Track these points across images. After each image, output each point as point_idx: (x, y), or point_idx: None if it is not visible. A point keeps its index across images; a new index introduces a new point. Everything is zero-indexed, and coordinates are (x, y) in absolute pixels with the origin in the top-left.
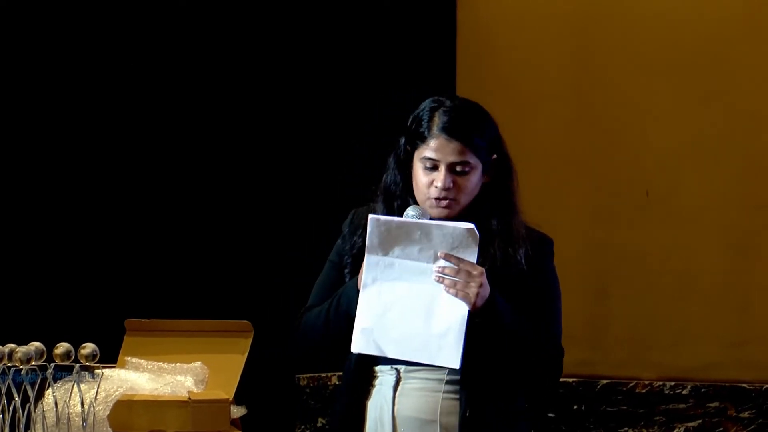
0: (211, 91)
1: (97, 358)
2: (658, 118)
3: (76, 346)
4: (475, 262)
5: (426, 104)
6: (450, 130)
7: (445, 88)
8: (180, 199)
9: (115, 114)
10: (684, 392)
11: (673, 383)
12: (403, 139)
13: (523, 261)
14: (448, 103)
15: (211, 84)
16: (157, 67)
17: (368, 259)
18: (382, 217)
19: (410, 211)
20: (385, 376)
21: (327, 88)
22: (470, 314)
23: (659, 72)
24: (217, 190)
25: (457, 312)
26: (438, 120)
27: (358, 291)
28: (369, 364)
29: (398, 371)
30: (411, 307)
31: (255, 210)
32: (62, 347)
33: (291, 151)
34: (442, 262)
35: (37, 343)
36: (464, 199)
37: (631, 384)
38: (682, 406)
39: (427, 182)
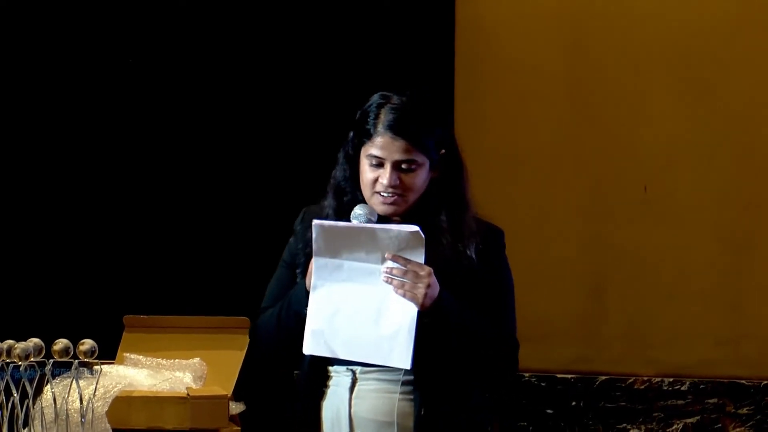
0: (209, 91)
1: (96, 355)
2: (655, 116)
3: (75, 342)
4: (422, 262)
5: (374, 100)
6: (396, 129)
7: (443, 86)
8: (178, 196)
9: (113, 113)
10: (683, 388)
11: (671, 379)
12: (352, 134)
13: (474, 256)
14: (395, 99)
15: (208, 83)
16: (156, 67)
17: (316, 262)
18: (326, 222)
19: (358, 209)
20: (340, 377)
21: (324, 87)
22: (419, 314)
23: (656, 70)
24: (215, 187)
25: (407, 313)
26: (384, 117)
27: (307, 292)
28: (323, 364)
29: (354, 372)
30: (361, 309)
31: (253, 206)
32: (61, 343)
33: (289, 148)
34: (390, 263)
35: (35, 339)
36: (411, 197)
37: (630, 380)
38: (680, 402)
39: (373, 179)
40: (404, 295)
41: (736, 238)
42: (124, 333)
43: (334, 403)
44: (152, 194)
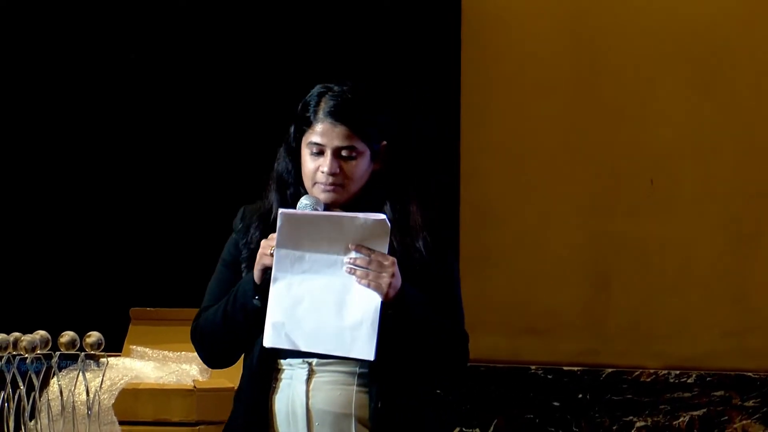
0: (213, 89)
1: (102, 347)
2: (661, 109)
3: (81, 334)
4: (386, 252)
5: (314, 90)
6: (335, 114)
7: (449, 80)
8: (184, 190)
9: (117, 108)
10: (689, 381)
11: (678, 372)
12: (293, 127)
13: (423, 249)
14: (336, 88)
15: (212, 81)
16: (155, 64)
17: (278, 253)
18: (292, 211)
19: (304, 200)
20: (295, 370)
21: (329, 78)
22: (383, 305)
23: (662, 62)
24: (220, 180)
25: (370, 303)
26: (324, 105)
27: (254, 283)
28: (273, 358)
29: (310, 365)
30: (322, 300)
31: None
32: (67, 336)
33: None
34: (353, 254)
35: (42, 332)
36: (352, 186)
37: (636, 373)
38: (687, 394)
39: (314, 168)
40: (368, 285)
41: (742, 231)
42: (130, 325)
43: (288, 396)
44: (158, 188)
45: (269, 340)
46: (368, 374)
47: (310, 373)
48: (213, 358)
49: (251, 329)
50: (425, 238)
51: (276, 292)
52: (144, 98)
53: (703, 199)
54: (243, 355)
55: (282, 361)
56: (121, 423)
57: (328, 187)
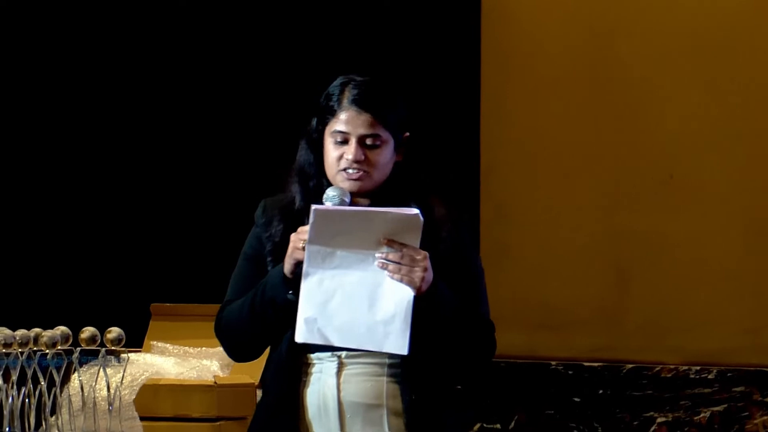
0: (231, 84)
1: (123, 343)
2: (680, 104)
3: (102, 330)
4: (418, 246)
5: (337, 81)
6: (360, 102)
7: (469, 76)
8: (203, 185)
9: (139, 104)
10: (709, 377)
11: (698, 368)
12: (315, 119)
13: (448, 241)
14: (358, 78)
15: (227, 76)
16: (173, 59)
17: (309, 249)
18: (324, 207)
19: (330, 191)
20: (324, 364)
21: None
22: (415, 299)
23: (681, 57)
24: (238, 175)
25: (402, 297)
26: (348, 93)
27: (283, 277)
28: (302, 352)
29: (339, 357)
30: (354, 295)
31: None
32: (88, 331)
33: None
34: (385, 248)
35: (62, 328)
36: (376, 174)
37: (657, 368)
38: (707, 390)
39: (338, 156)
40: (401, 280)
41: (761, 226)
42: (151, 321)
43: (319, 390)
44: (178, 184)
45: (301, 336)
46: (399, 365)
47: (340, 366)
48: (238, 352)
49: (280, 323)
50: (449, 230)
51: (308, 288)
52: (165, 93)
53: (722, 194)
54: (269, 348)
55: (311, 355)
56: (141, 418)
57: (353, 175)
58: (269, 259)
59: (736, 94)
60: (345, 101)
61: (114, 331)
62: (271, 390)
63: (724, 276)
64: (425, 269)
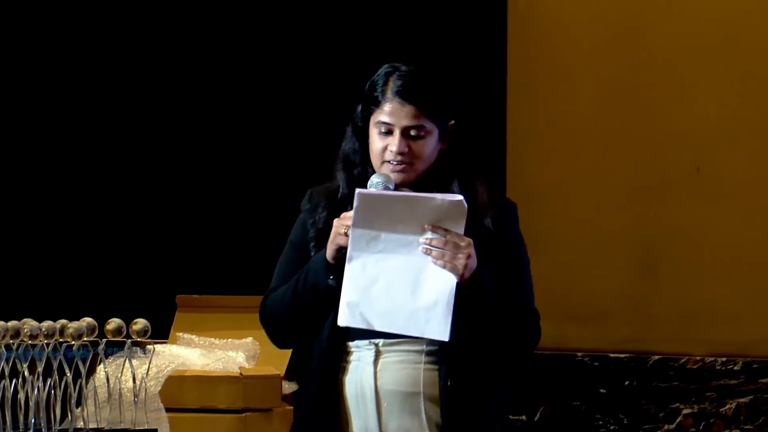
0: (256, 75)
1: (149, 334)
2: (708, 95)
3: (128, 321)
4: (462, 233)
5: (382, 69)
6: (404, 94)
7: (496, 66)
8: (230, 177)
9: (169, 95)
10: (735, 368)
11: (724, 359)
12: (360, 107)
13: (491, 228)
14: (403, 68)
15: (254, 68)
16: (205, 50)
17: (353, 233)
18: (369, 191)
19: (375, 178)
20: (362, 351)
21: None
22: (458, 286)
23: (709, 49)
24: (266, 168)
25: (445, 284)
26: (392, 84)
27: (325, 263)
28: (342, 340)
29: (377, 345)
30: (397, 280)
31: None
32: (114, 323)
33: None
34: (429, 234)
35: (88, 319)
36: (420, 165)
37: (683, 360)
38: (733, 382)
39: (382, 147)
40: (444, 266)
41: None
42: (176, 312)
43: (357, 378)
44: (206, 175)
45: (344, 320)
46: (437, 352)
47: (377, 354)
48: (281, 339)
49: (321, 309)
50: (493, 216)
51: (351, 272)
52: (195, 84)
53: (750, 185)
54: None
55: (350, 343)
56: (167, 410)
57: (397, 167)
58: (312, 245)
59: (765, 86)
60: (389, 92)
61: (140, 323)
62: (313, 378)
63: (752, 267)
64: (469, 256)
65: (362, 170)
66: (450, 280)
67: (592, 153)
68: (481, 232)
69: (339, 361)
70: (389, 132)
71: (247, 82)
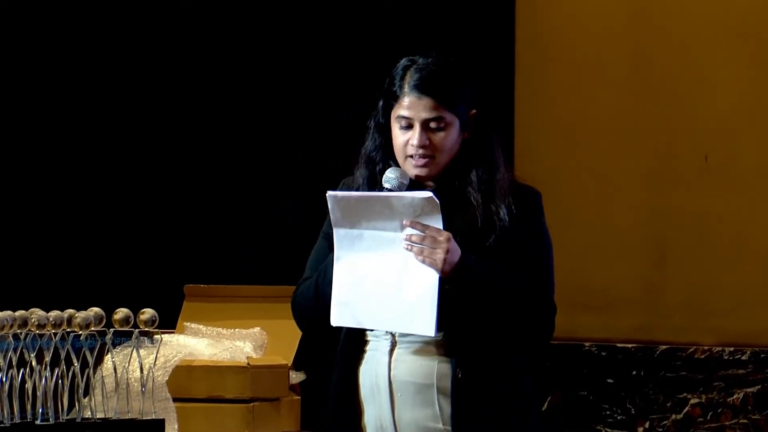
0: (266, 71)
1: (156, 324)
2: (716, 85)
3: (135, 311)
4: (440, 227)
5: (400, 63)
6: (421, 87)
7: (504, 56)
8: (238, 167)
9: (177, 90)
10: (743, 358)
11: (732, 349)
12: (381, 102)
13: (506, 216)
14: (420, 60)
15: (264, 64)
16: (214, 48)
17: (336, 233)
18: (339, 193)
19: (389, 173)
20: (380, 341)
21: (386, 59)
22: (441, 280)
23: (718, 38)
24: (273, 158)
25: (429, 279)
26: (410, 78)
27: None
28: (361, 330)
29: (393, 336)
30: (383, 277)
31: (314, 176)
32: (121, 313)
33: (346, 125)
34: (409, 230)
35: (96, 309)
36: (442, 157)
37: (691, 349)
38: (741, 371)
39: (404, 141)
40: (423, 261)
41: None
42: (184, 302)
43: (373, 368)
44: (213, 164)
45: (335, 320)
46: (450, 344)
47: (393, 345)
48: (309, 329)
49: None
50: (511, 205)
51: (339, 271)
52: (201, 79)
53: (760, 174)
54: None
55: (368, 332)
56: (174, 400)
57: (419, 162)
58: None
59: None
60: (406, 86)
61: (147, 312)
62: (338, 369)
63: (761, 257)
64: (447, 251)
65: (384, 166)
66: (432, 276)
67: (602, 142)
68: (495, 220)
69: (359, 351)
70: (409, 126)
71: (249, 82)
